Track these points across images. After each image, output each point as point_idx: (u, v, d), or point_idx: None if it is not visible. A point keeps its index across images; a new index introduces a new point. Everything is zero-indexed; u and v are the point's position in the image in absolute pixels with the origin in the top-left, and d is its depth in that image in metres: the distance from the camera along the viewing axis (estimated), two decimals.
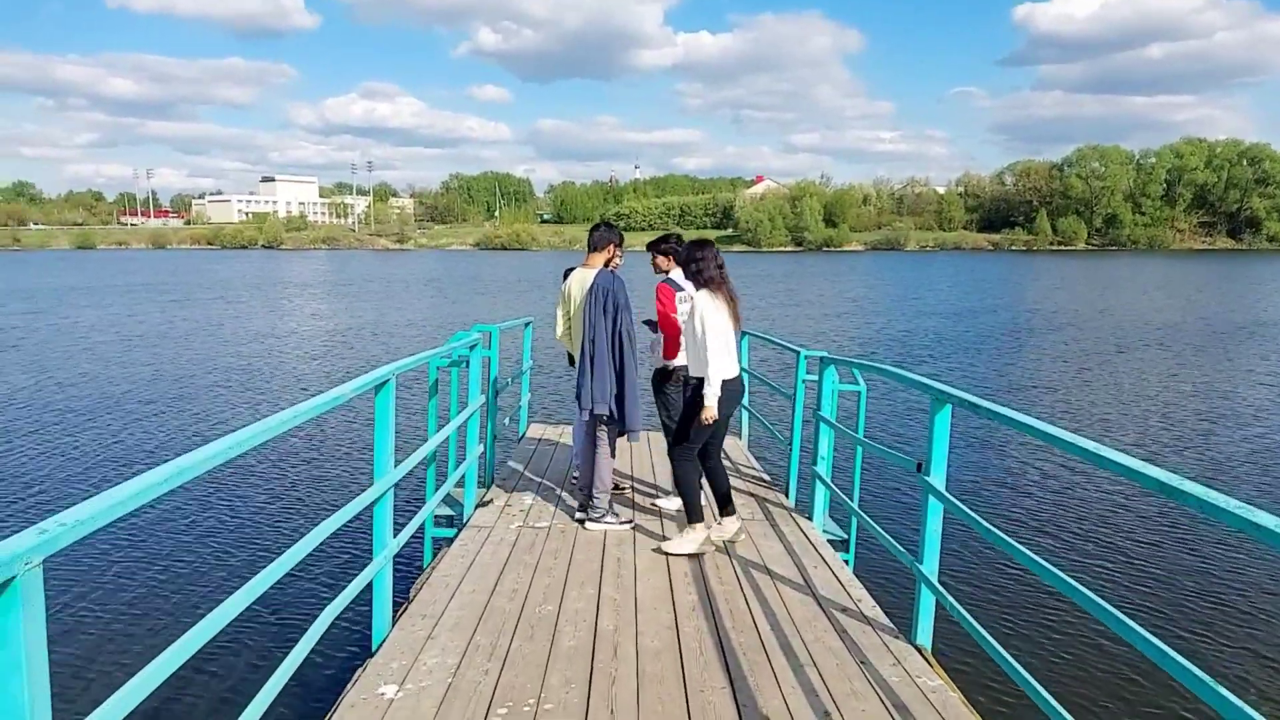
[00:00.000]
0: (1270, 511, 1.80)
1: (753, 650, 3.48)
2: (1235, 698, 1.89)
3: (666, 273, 5.43)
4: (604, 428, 5.13)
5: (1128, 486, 8.55)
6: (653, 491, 5.96)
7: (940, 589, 3.48)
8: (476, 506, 5.46)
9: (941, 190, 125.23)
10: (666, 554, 4.62)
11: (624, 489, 5.90)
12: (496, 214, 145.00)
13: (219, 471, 8.84)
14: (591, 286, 5.02)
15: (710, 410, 4.45)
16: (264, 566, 2.50)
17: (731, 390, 4.62)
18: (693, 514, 4.69)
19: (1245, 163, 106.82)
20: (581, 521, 5.14)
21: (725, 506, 4.95)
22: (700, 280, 4.62)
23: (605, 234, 5.38)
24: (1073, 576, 2.60)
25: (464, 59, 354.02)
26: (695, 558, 4.59)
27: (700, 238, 4.93)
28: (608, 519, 5.10)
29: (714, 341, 4.43)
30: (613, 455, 5.22)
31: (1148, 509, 8.15)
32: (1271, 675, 5.21)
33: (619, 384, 5.01)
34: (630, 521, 5.16)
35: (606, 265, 5.29)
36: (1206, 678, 1.97)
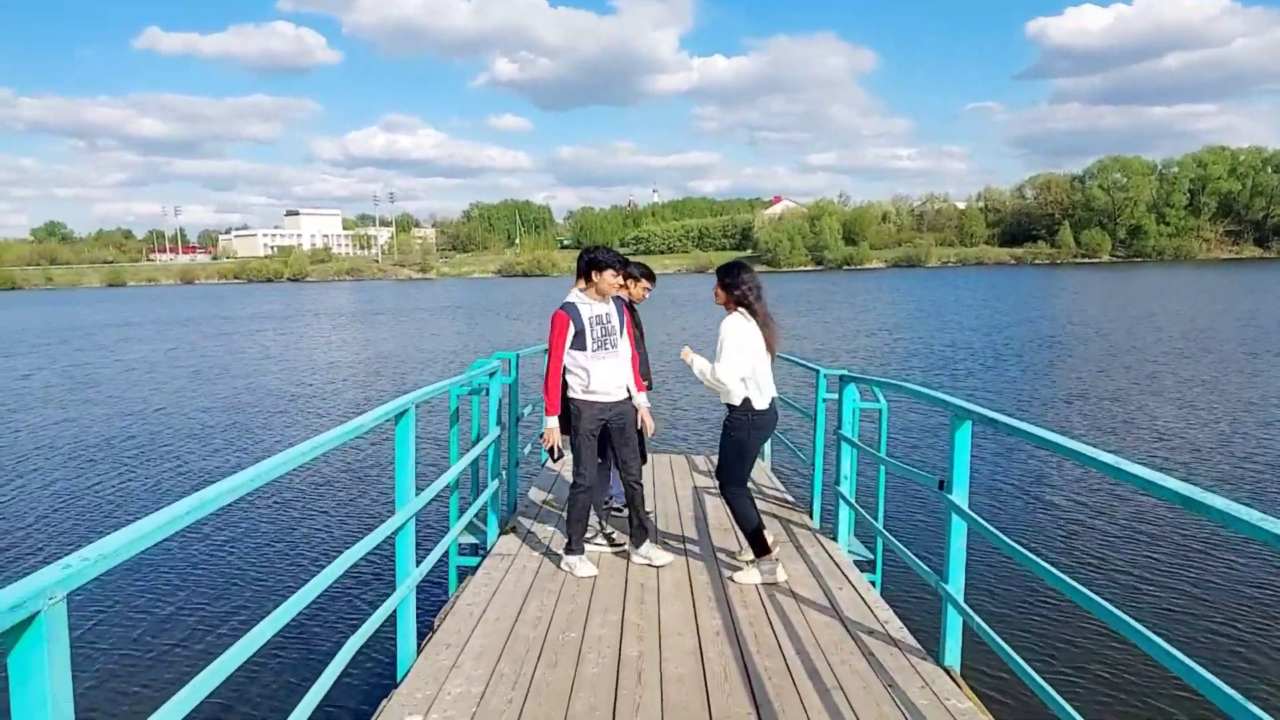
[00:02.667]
0: None
1: (778, 675, 3.45)
2: (1263, 712, 1.85)
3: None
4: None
5: (1152, 501, 8.41)
6: (675, 516, 5.94)
7: (967, 609, 3.43)
8: (499, 534, 5.46)
9: (961, 205, 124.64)
10: (739, 583, 4.54)
11: (621, 511, 5.78)
12: (517, 241, 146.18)
13: (242, 503, 8.92)
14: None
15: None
16: (287, 597, 2.52)
17: (763, 420, 4.55)
18: (759, 546, 4.57)
19: (1270, 170, 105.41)
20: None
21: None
22: (737, 302, 4.55)
23: (627, 268, 5.38)
24: (1101, 594, 2.56)
25: (482, 90, 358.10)
26: (720, 583, 4.56)
27: (735, 260, 4.87)
28: (598, 540, 5.13)
29: (730, 360, 4.39)
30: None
31: (1173, 523, 8.00)
32: None
33: None
34: (621, 546, 5.10)
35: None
36: (1239, 697, 1.93)
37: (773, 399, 4.61)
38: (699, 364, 4.54)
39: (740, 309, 4.54)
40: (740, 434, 4.53)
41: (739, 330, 4.46)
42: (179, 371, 21.71)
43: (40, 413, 15.76)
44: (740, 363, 4.43)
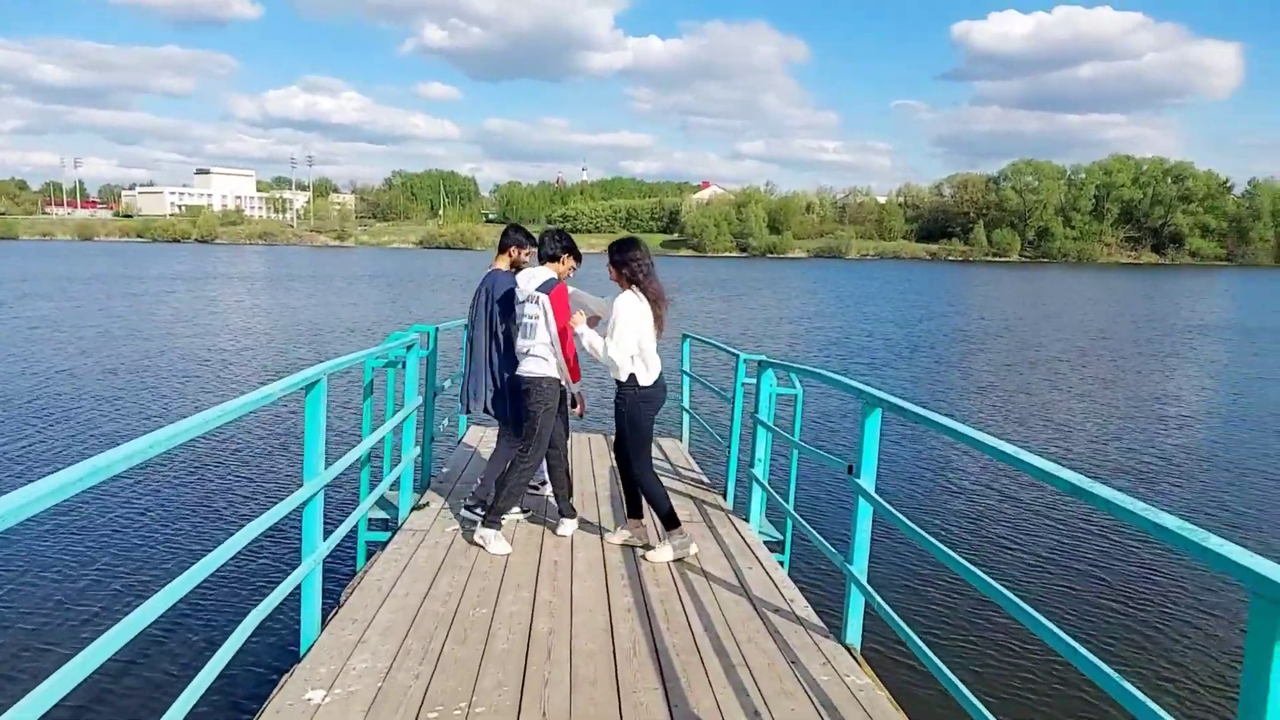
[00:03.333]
0: (1172, 513, 1.88)
1: (686, 651, 3.51)
2: (1141, 694, 1.97)
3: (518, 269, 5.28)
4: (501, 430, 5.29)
5: (1047, 489, 8.84)
6: (592, 495, 5.96)
7: (869, 589, 3.55)
8: (412, 509, 5.38)
9: (882, 200, 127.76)
10: (651, 561, 4.58)
11: (538, 489, 5.80)
12: (440, 212, 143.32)
13: (142, 470, 8.58)
14: (478, 289, 5.19)
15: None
16: (187, 567, 2.44)
17: (649, 394, 4.60)
18: (670, 521, 4.65)
19: (1170, 180, 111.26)
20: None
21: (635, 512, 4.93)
22: (628, 280, 4.59)
23: (510, 237, 5.40)
24: (995, 578, 2.68)
25: (411, 56, 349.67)
26: (633, 561, 4.60)
27: (628, 237, 4.87)
28: (478, 511, 5.13)
29: (622, 338, 4.46)
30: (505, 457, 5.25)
31: (1066, 512, 8.44)
32: (1176, 671, 5.44)
33: (498, 383, 5.15)
34: (523, 513, 5.24)
35: (514, 267, 5.31)
36: (1115, 675, 2.05)
37: (660, 375, 4.66)
38: (589, 337, 4.54)
39: (632, 286, 4.58)
40: (628, 409, 4.59)
41: (630, 308, 4.51)
42: (84, 331, 20.62)
43: None
44: (630, 340, 4.47)
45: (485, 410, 5.24)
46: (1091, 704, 4.89)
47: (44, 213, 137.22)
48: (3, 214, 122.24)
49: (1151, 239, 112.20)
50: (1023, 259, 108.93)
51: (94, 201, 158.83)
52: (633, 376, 4.54)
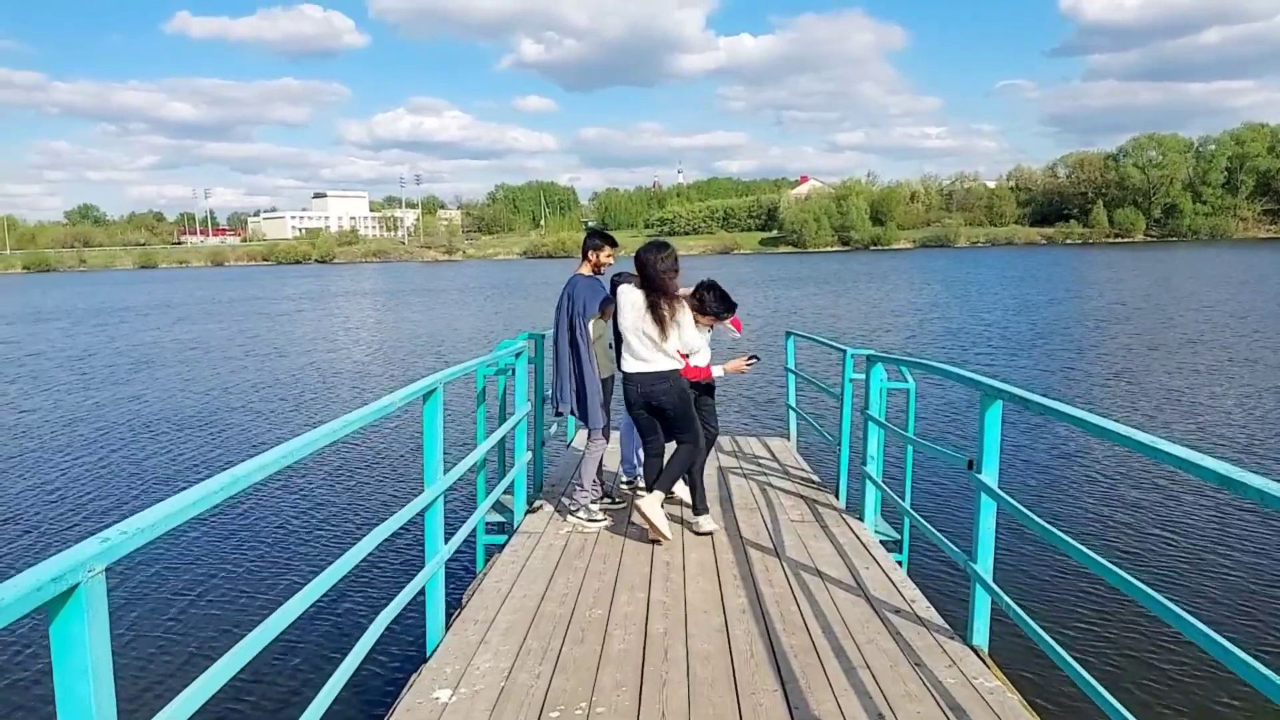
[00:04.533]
0: None
1: (804, 652, 3.45)
2: None
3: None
4: (586, 429, 5.38)
5: (1187, 481, 8.29)
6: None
7: (995, 589, 3.41)
8: (526, 513, 5.50)
9: (992, 185, 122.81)
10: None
11: (626, 487, 6.04)
12: (542, 223, 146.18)
13: (274, 480, 9.06)
14: (561, 294, 5.29)
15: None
16: (318, 573, 2.56)
17: (631, 386, 4.90)
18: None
19: None
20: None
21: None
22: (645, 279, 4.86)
23: (587, 241, 5.46)
24: (1132, 573, 2.53)
25: (508, 71, 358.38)
26: (745, 562, 4.57)
27: (658, 239, 5.14)
28: (580, 514, 5.31)
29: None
30: (596, 457, 5.38)
31: (1209, 504, 7.89)
32: None
33: (579, 384, 5.23)
34: (604, 522, 5.28)
35: (595, 270, 5.39)
36: (1268, 671, 1.90)
37: (629, 369, 4.92)
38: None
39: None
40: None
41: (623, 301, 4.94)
42: (224, 351, 22.01)
43: (87, 390, 16.07)
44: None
45: (571, 412, 5.32)
46: (1242, 704, 4.55)
47: (179, 242, 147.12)
48: (143, 245, 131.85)
49: None
50: (1149, 238, 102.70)
51: (223, 229, 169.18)
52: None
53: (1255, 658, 1.98)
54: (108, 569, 1.59)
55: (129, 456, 10.91)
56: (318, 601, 2.56)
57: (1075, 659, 2.85)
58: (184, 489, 1.91)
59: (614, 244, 5.45)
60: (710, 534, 5.00)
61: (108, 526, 1.66)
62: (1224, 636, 2.11)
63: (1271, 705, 1.92)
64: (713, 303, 5.27)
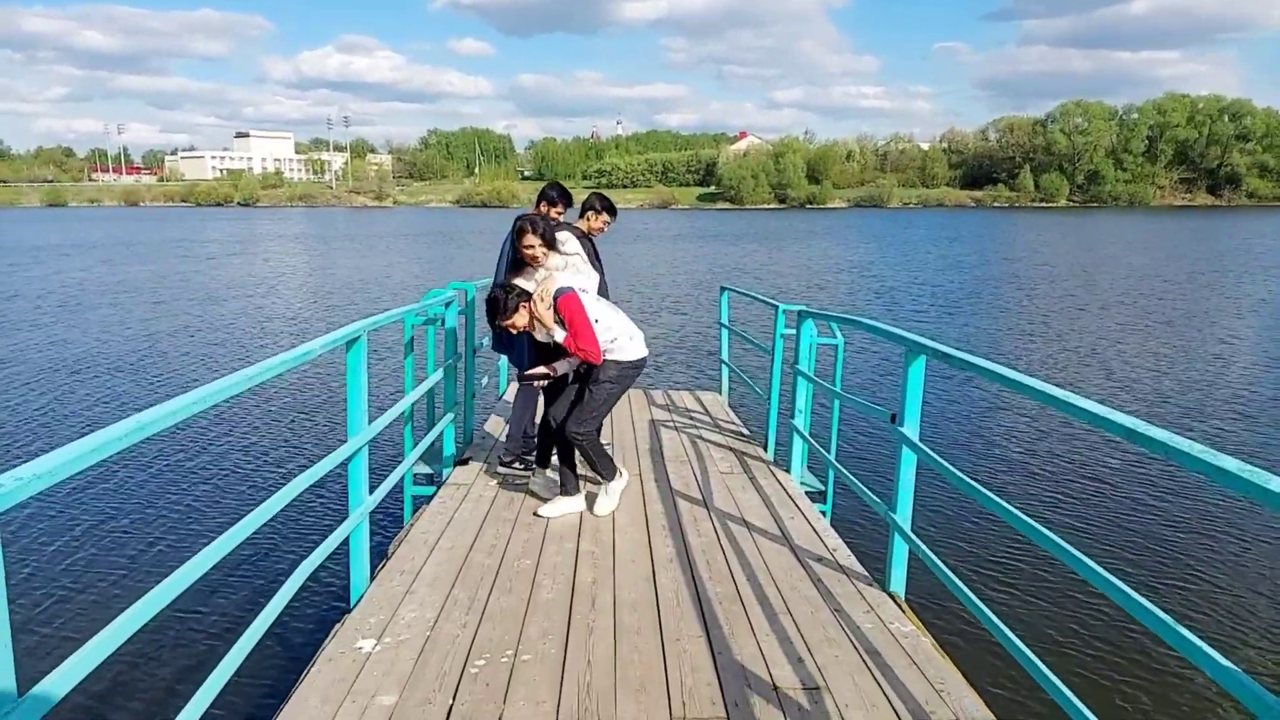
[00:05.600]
0: (1233, 456, 1.81)
1: (729, 600, 3.52)
2: (1195, 637, 1.92)
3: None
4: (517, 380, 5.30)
5: (1098, 435, 8.67)
6: (632, 448, 5.97)
7: (913, 537, 3.52)
8: (455, 464, 5.45)
9: (925, 147, 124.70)
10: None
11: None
12: (476, 171, 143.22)
13: (187, 428, 8.80)
14: (505, 239, 5.07)
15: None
16: (236, 523, 2.48)
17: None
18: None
19: (1226, 119, 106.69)
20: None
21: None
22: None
23: (544, 193, 5.26)
24: (1043, 524, 2.63)
25: (442, 11, 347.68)
26: (674, 512, 4.61)
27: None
28: (515, 466, 5.26)
29: None
30: (528, 408, 5.34)
31: (1118, 456, 8.28)
32: (1237, 621, 5.34)
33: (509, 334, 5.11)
34: (530, 471, 5.16)
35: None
36: (1170, 620, 2.00)
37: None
38: None
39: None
40: None
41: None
42: (136, 294, 21.09)
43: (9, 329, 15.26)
44: None
45: (513, 363, 5.26)
46: (1145, 650, 4.83)
47: (90, 179, 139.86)
48: (51, 182, 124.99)
49: (1207, 180, 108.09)
50: (1071, 204, 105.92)
51: (138, 168, 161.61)
52: None
53: (1157, 604, 2.08)
54: (1, 516, 1.51)
55: (31, 402, 10.43)
56: (236, 550, 2.49)
57: (988, 606, 2.96)
58: (86, 434, 1.81)
59: (569, 204, 5.31)
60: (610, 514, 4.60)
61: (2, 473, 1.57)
62: (1128, 584, 2.21)
63: (1170, 649, 2.03)
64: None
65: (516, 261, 4.78)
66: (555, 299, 4.29)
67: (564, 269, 4.66)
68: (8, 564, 1.57)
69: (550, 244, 4.70)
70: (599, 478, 4.63)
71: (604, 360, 4.37)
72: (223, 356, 13.65)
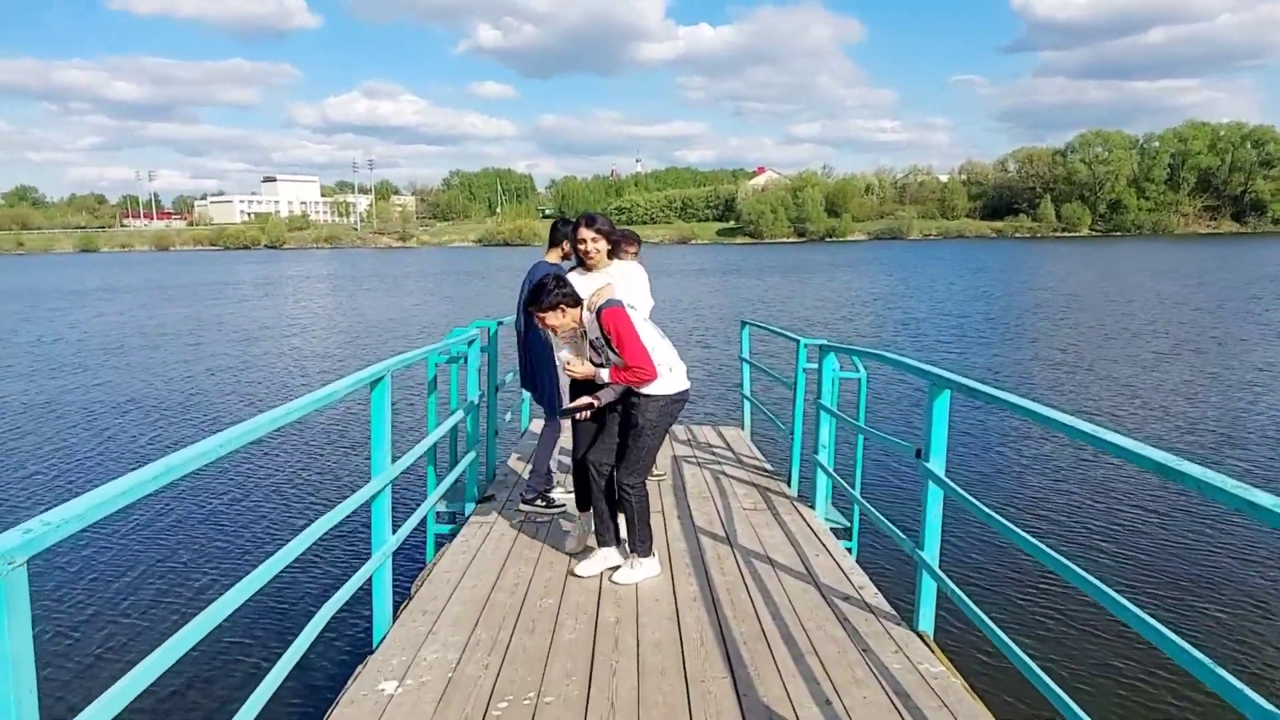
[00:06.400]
0: (1269, 491, 1.78)
1: (753, 639, 3.47)
2: (1236, 680, 1.87)
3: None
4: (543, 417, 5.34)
5: (1128, 469, 8.52)
6: (654, 485, 5.95)
7: (941, 575, 3.46)
8: (478, 502, 5.45)
9: (944, 178, 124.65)
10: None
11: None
12: (498, 210, 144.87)
13: (213, 468, 8.86)
14: (524, 280, 5.12)
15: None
16: (260, 563, 2.49)
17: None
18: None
19: (1249, 145, 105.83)
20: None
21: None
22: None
23: (561, 229, 5.17)
24: (1075, 561, 2.58)
25: (465, 56, 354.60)
26: (698, 550, 4.58)
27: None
28: (538, 503, 5.25)
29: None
30: (552, 444, 5.33)
31: (1149, 492, 8.12)
32: (1270, 658, 5.18)
33: (535, 368, 5.18)
34: (561, 508, 5.20)
35: (565, 259, 5.14)
36: (1206, 660, 1.95)
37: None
38: None
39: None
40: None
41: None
42: (156, 339, 21.42)
43: (8, 379, 15.53)
44: None
45: (538, 400, 5.30)
46: (1180, 691, 4.69)
47: (122, 225, 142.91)
48: (83, 228, 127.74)
49: (1231, 207, 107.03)
50: (1094, 233, 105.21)
51: (169, 213, 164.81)
52: None
53: (1191, 643, 2.03)
54: (31, 561, 1.53)
55: (62, 444, 10.57)
56: (260, 592, 2.49)
57: (1018, 645, 2.90)
58: (116, 478, 1.84)
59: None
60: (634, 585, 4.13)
61: (33, 517, 1.59)
62: (1162, 623, 2.16)
63: (1206, 690, 1.97)
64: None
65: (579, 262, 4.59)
66: (600, 311, 3.85)
67: (624, 281, 4.35)
68: (35, 604, 1.58)
69: (614, 243, 4.44)
70: (632, 544, 4.18)
71: (643, 397, 3.96)
72: (263, 395, 13.88)
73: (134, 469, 1.91)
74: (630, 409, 4.02)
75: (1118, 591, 2.34)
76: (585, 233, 4.48)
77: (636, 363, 3.79)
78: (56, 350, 19.35)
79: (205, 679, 4.92)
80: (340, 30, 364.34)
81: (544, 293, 3.89)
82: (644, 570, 4.15)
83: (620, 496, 4.11)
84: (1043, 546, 2.72)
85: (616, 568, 4.20)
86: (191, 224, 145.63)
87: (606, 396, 4.09)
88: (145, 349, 19.37)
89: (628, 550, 4.25)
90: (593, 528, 4.34)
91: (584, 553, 4.44)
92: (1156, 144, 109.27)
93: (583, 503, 4.50)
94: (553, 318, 3.93)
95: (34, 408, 12.82)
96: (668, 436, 7.40)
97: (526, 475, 5.59)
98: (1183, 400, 12.47)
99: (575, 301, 3.94)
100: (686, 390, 4.11)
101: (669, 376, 4.00)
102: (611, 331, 3.80)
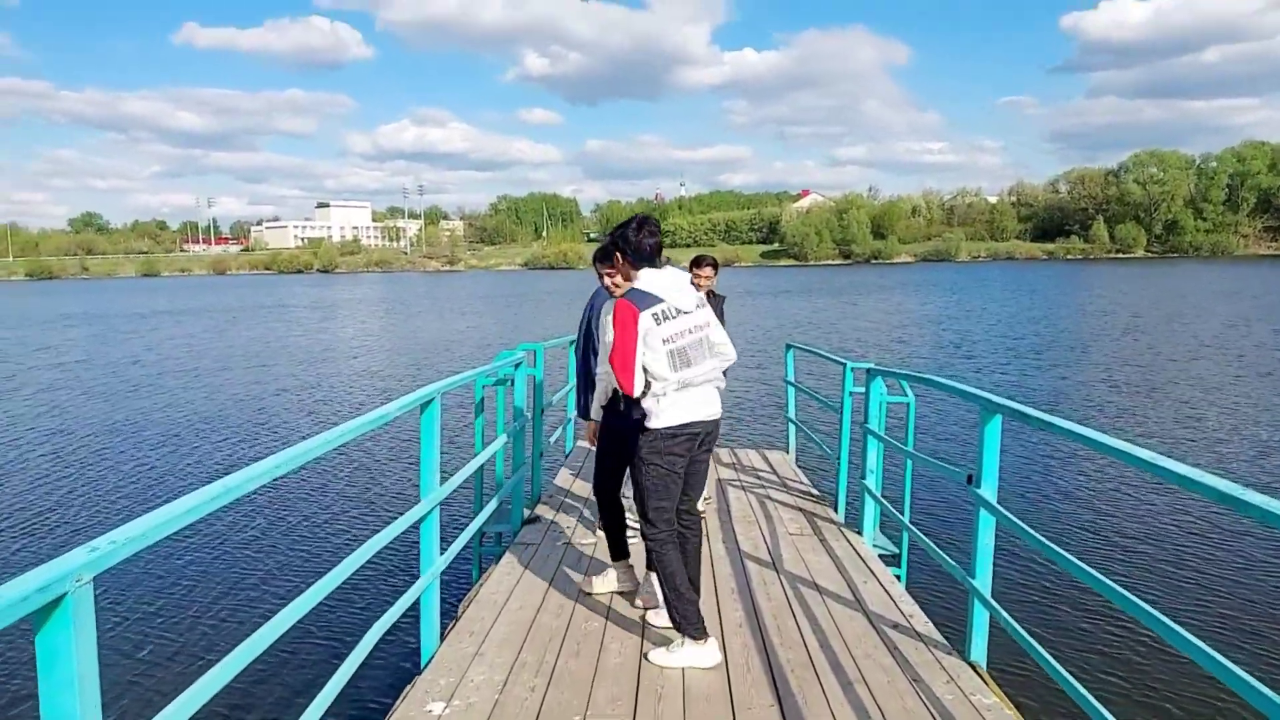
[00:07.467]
0: None
1: (801, 667, 3.43)
2: None
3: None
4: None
5: (1190, 497, 8.25)
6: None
7: (994, 604, 3.39)
8: (524, 524, 5.48)
9: (993, 200, 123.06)
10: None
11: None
12: (544, 234, 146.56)
13: (267, 489, 9.04)
14: (587, 303, 5.06)
15: None
16: (312, 583, 2.54)
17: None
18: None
19: None
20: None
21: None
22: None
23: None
24: (1131, 590, 2.51)
25: (512, 84, 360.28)
26: (744, 575, 4.54)
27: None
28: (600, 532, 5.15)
29: None
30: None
31: (1210, 521, 7.85)
32: None
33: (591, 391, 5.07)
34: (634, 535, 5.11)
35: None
36: (1271, 693, 1.88)
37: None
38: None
39: None
40: None
41: None
42: (213, 361, 22.02)
43: (75, 398, 16.05)
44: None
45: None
46: None
47: (182, 250, 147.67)
48: (146, 253, 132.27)
49: None
50: (1149, 254, 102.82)
51: (226, 238, 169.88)
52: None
53: (1254, 675, 1.96)
54: (96, 579, 1.58)
55: (122, 464, 10.89)
56: (311, 612, 2.53)
57: (1073, 675, 2.83)
58: (177, 498, 1.89)
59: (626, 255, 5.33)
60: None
61: (98, 536, 1.65)
62: (1222, 654, 2.09)
63: None
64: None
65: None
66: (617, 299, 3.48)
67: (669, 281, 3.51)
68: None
69: (638, 258, 3.53)
70: (670, 617, 3.54)
71: (640, 426, 3.51)
72: (327, 414, 14.33)
73: (192, 490, 1.97)
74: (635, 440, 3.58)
75: (1178, 622, 2.27)
76: (599, 267, 4.27)
77: (614, 361, 3.35)
78: (135, 372, 20.01)
79: (257, 698, 5.00)
80: (393, 60, 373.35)
81: (603, 253, 4.07)
82: (684, 656, 3.44)
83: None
84: (1099, 576, 2.66)
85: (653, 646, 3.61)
86: (248, 249, 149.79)
87: (592, 407, 4.27)
88: (217, 370, 20.02)
89: (666, 645, 3.56)
90: (619, 578, 4.27)
91: (600, 570, 4.45)
92: (1214, 164, 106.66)
93: (615, 550, 4.28)
94: (609, 278, 4.15)
95: (114, 427, 13.25)
96: (711, 459, 7.38)
97: (591, 495, 5.49)
98: (1251, 424, 12.06)
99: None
100: (687, 425, 3.44)
101: (667, 407, 3.41)
102: (614, 324, 3.39)
